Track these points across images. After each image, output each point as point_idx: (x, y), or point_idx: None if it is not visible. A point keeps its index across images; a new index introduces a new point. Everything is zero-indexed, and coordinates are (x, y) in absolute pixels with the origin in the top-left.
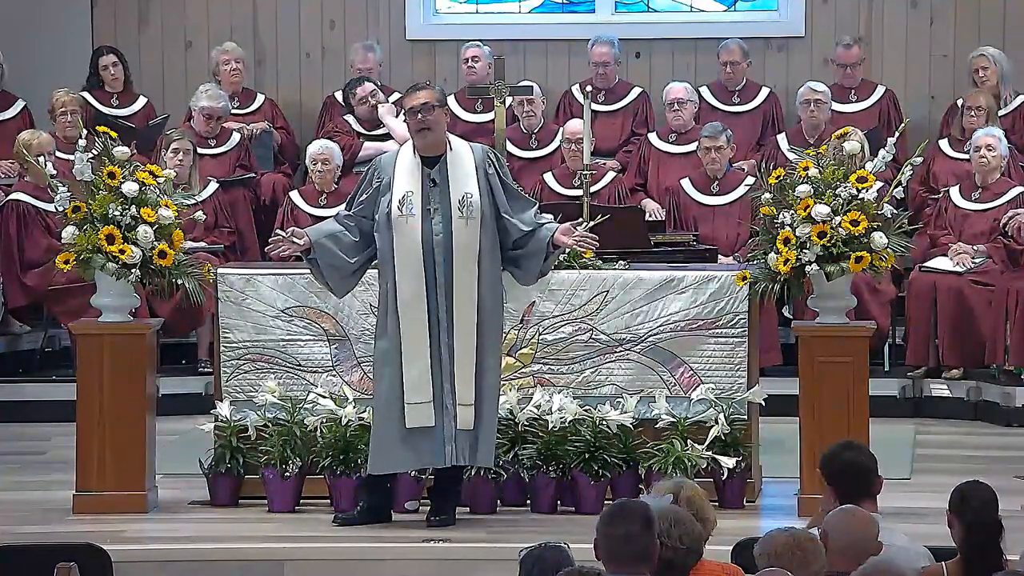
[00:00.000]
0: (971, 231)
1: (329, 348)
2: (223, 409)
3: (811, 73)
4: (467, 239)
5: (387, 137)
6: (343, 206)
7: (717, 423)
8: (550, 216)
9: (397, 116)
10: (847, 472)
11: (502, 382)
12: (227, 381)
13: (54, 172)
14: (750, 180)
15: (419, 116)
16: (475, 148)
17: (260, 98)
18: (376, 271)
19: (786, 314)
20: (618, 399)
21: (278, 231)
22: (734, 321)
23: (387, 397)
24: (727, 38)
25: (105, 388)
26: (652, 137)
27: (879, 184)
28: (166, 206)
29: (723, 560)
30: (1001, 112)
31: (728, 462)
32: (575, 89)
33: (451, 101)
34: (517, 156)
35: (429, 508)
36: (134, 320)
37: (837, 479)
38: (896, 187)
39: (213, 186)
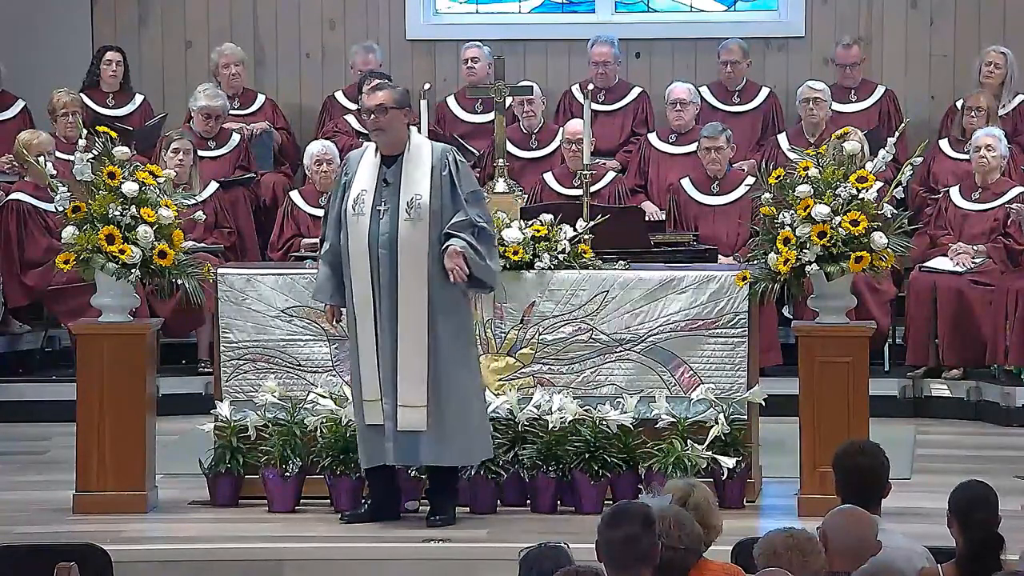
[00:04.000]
0: (971, 231)
1: (329, 348)
2: (223, 409)
3: (811, 73)
4: (414, 239)
5: None
6: (321, 240)
7: (717, 423)
8: (465, 220)
9: None
10: (857, 478)
11: (502, 382)
12: (227, 381)
13: (54, 172)
14: (750, 180)
15: (372, 117)
16: (436, 149)
17: (260, 98)
18: None
19: (786, 314)
20: (618, 399)
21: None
22: (734, 321)
23: (354, 394)
24: (727, 38)
25: (105, 388)
26: (652, 137)
27: (879, 184)
28: (166, 206)
29: (723, 560)
30: (1000, 112)
31: (728, 462)
32: (575, 89)
33: (451, 101)
34: (517, 156)
35: (428, 508)
36: (134, 320)
37: (845, 481)
38: (896, 187)
39: (213, 186)
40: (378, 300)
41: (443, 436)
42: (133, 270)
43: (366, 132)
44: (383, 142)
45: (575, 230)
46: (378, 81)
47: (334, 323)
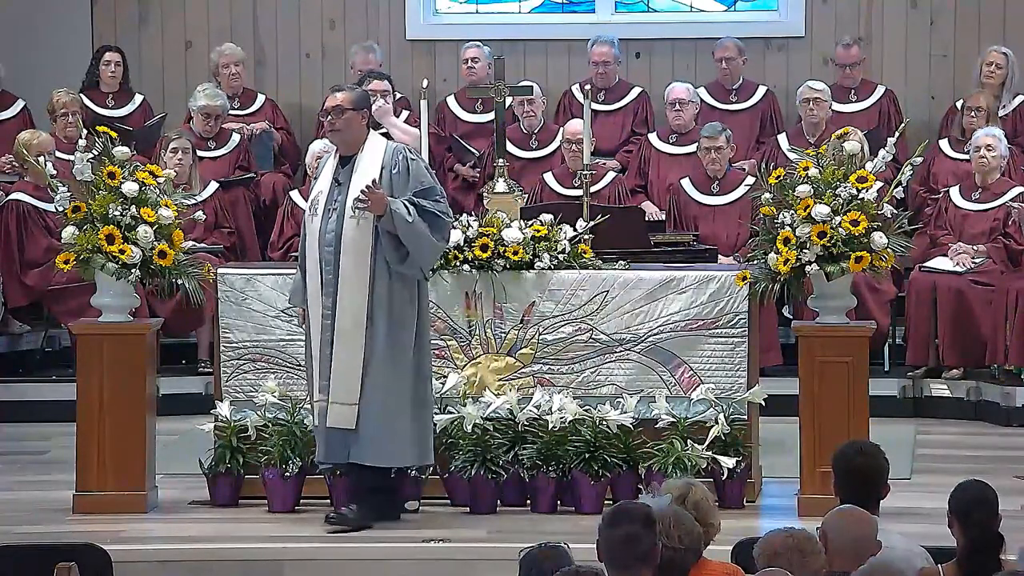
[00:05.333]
0: (971, 231)
1: None
2: (223, 409)
3: (811, 73)
4: (357, 238)
5: (387, 137)
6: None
7: (717, 423)
8: (411, 200)
9: (397, 116)
10: (856, 479)
11: (502, 382)
12: (227, 381)
13: (54, 172)
14: (750, 180)
15: (328, 118)
16: (389, 148)
17: (260, 98)
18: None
19: (786, 314)
20: (618, 399)
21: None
22: (734, 321)
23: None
24: (725, 43)
25: (105, 388)
26: (652, 137)
27: (879, 184)
28: (166, 206)
29: (723, 560)
30: (1000, 113)
31: (728, 462)
32: (575, 89)
33: (451, 101)
34: (517, 156)
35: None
36: (134, 320)
37: (844, 480)
38: (896, 187)
39: (213, 186)
40: (324, 298)
41: (366, 435)
42: (133, 270)
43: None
44: (339, 143)
45: (575, 230)
46: (340, 84)
47: (303, 326)
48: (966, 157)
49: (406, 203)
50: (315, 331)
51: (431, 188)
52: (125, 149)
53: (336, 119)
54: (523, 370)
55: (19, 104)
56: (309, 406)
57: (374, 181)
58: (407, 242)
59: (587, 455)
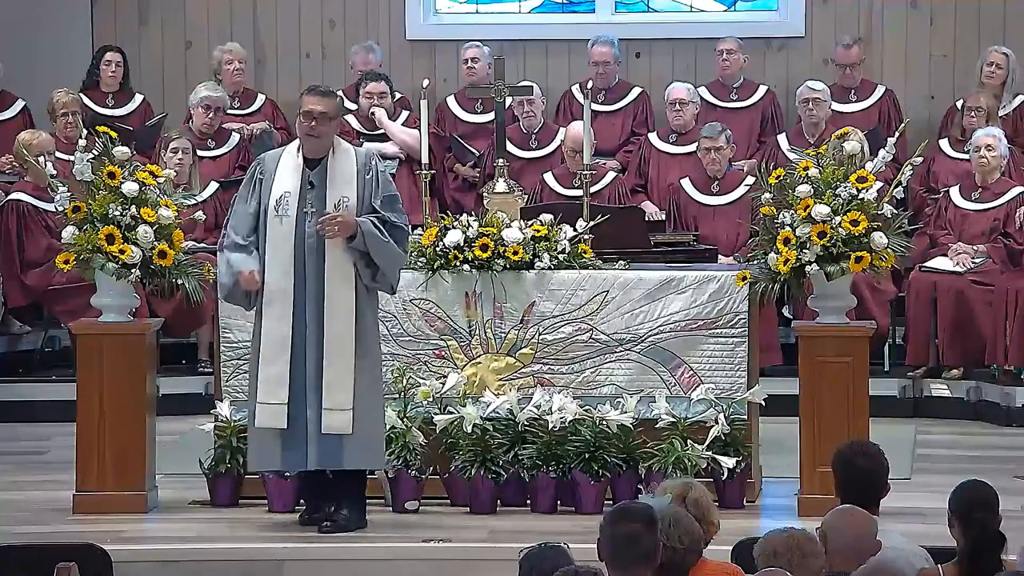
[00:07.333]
0: (971, 231)
1: None
2: (223, 409)
3: (811, 73)
4: (341, 241)
5: (387, 138)
6: (232, 229)
7: (717, 423)
8: (376, 215)
9: (397, 116)
10: (856, 479)
11: (502, 382)
12: (227, 381)
13: (54, 172)
14: (750, 180)
15: (312, 123)
16: (359, 153)
17: (260, 98)
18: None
19: (786, 314)
20: (618, 399)
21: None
22: (734, 321)
23: (250, 395)
24: (726, 38)
25: (105, 388)
26: (652, 137)
27: (879, 184)
28: (166, 206)
29: (723, 560)
30: (1000, 113)
31: (728, 462)
32: (575, 89)
33: (451, 101)
34: (517, 156)
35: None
36: (134, 320)
37: (844, 481)
38: (896, 187)
39: (213, 186)
40: (304, 303)
41: (364, 439)
42: (133, 270)
43: (366, 132)
44: (313, 147)
45: (575, 230)
46: (320, 86)
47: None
48: (966, 157)
49: (374, 221)
50: (282, 333)
51: (395, 196)
52: (125, 149)
53: (320, 126)
54: (523, 370)
55: (19, 104)
56: (254, 406)
57: (339, 202)
58: (380, 261)
59: (587, 455)
